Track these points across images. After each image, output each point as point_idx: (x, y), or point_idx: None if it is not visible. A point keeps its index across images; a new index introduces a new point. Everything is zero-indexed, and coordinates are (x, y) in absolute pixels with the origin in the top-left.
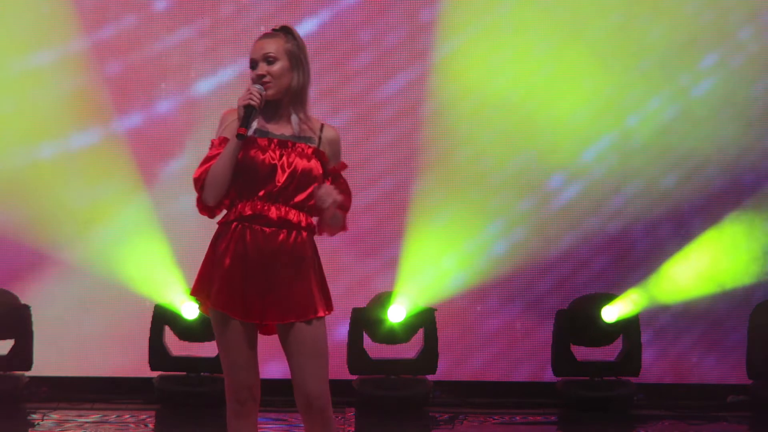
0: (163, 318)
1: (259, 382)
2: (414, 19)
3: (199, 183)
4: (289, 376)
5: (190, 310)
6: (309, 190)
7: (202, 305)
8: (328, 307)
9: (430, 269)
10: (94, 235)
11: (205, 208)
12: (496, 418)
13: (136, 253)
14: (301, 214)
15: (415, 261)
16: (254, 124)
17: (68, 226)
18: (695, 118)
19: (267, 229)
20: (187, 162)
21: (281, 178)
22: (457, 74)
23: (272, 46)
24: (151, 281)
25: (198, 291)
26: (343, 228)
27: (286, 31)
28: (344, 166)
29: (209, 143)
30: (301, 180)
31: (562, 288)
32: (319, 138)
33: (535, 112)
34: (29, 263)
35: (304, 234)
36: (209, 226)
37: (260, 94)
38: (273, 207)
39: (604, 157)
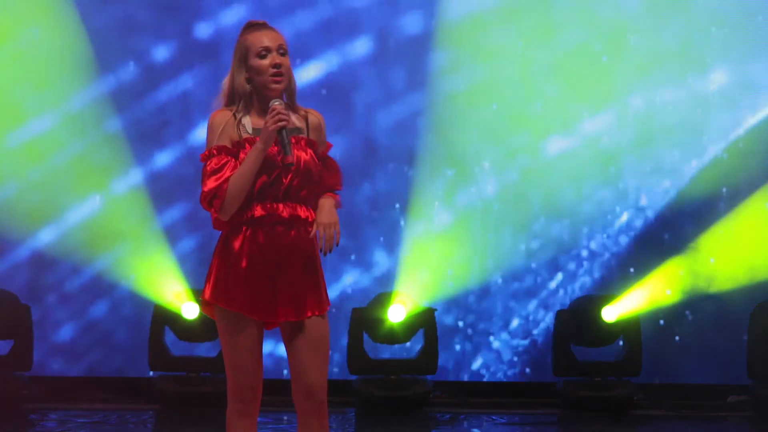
0: (163, 318)
1: (261, 383)
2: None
3: (219, 200)
4: (273, 377)
5: (190, 310)
6: (312, 183)
7: (204, 306)
8: (328, 300)
9: (430, 269)
10: (94, 236)
11: (218, 222)
12: (496, 418)
13: (137, 253)
14: (308, 210)
15: (416, 261)
16: (248, 124)
17: (68, 227)
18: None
19: (279, 228)
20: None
21: (287, 175)
22: (460, 63)
23: (282, 38)
24: (151, 281)
25: (215, 295)
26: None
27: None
28: (330, 147)
29: (206, 152)
30: (304, 174)
31: (562, 288)
32: (306, 126)
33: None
34: (29, 263)
35: (310, 228)
36: (207, 228)
37: (285, 110)
38: (281, 205)
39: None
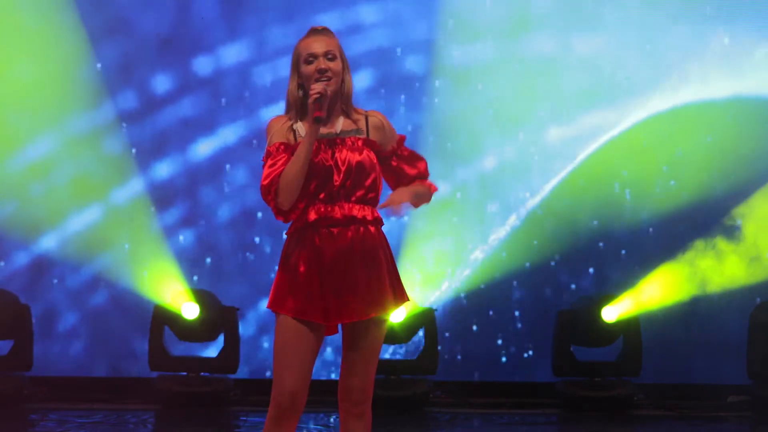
0: (163, 318)
1: (305, 393)
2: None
3: (272, 189)
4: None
5: (190, 310)
6: (368, 183)
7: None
8: (402, 298)
9: (429, 268)
10: (93, 236)
11: (281, 212)
12: (496, 418)
13: (137, 254)
14: (365, 208)
15: (415, 260)
16: (301, 129)
17: (70, 231)
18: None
19: (334, 230)
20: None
21: (338, 176)
22: (460, 67)
23: (332, 43)
24: (151, 282)
25: (276, 303)
26: (430, 194)
27: (332, 33)
28: (403, 138)
29: (265, 152)
30: (357, 174)
31: (562, 288)
32: (366, 128)
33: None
34: (30, 265)
35: (371, 228)
36: (206, 228)
37: (325, 89)
38: (335, 207)
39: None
